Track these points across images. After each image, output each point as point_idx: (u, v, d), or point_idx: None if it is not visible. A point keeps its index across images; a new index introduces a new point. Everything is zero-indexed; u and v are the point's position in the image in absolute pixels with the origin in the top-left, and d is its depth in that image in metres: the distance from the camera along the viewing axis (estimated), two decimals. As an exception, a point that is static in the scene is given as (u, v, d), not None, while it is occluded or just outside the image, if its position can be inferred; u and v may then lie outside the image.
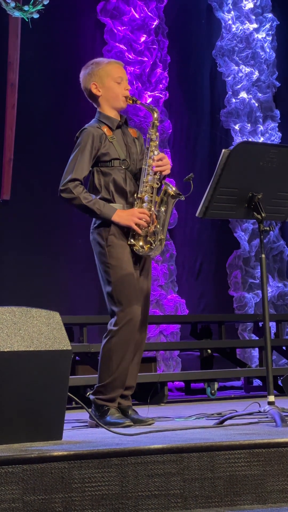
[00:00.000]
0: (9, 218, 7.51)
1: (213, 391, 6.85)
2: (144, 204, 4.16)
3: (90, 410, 3.95)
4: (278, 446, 3.06)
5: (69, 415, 4.55)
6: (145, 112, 8.27)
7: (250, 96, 9.36)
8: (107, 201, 4.16)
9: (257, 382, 7.92)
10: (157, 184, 4.19)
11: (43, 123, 7.85)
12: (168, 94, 8.75)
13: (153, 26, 8.71)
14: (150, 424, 4.08)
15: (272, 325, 8.08)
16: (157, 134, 4.25)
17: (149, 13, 8.69)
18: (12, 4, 6.88)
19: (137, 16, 8.61)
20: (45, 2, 6.94)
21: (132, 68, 8.49)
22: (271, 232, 9.08)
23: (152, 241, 4.16)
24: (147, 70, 8.63)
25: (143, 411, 4.49)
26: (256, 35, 9.49)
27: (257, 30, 9.51)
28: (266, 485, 3.02)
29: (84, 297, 7.87)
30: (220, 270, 9.10)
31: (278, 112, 9.51)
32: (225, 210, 4.06)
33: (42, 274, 7.64)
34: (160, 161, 4.19)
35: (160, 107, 8.61)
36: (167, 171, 4.22)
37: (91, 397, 4.14)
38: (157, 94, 8.64)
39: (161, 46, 8.77)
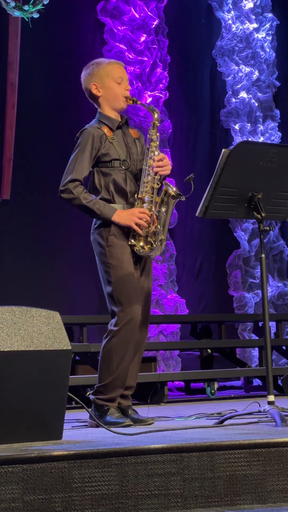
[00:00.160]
0: (9, 218, 7.51)
1: (213, 391, 6.85)
2: (144, 204, 4.17)
3: (90, 410, 3.95)
4: (278, 445, 3.07)
5: (69, 415, 4.55)
6: (145, 112, 8.27)
7: (250, 95, 9.36)
8: (107, 201, 4.16)
9: (257, 382, 7.92)
10: (158, 184, 4.19)
11: (43, 122, 7.85)
12: (168, 94, 8.75)
13: (153, 25, 8.71)
14: (150, 424, 4.08)
15: (272, 325, 8.08)
16: (158, 134, 4.25)
17: (149, 13, 8.69)
18: (12, 4, 6.88)
19: (137, 15, 8.61)
20: (45, 2, 6.94)
21: (132, 68, 8.49)
22: (271, 231, 9.11)
23: (152, 242, 4.16)
24: (147, 70, 8.63)
25: (143, 410, 4.49)
26: (256, 35, 9.49)
27: (257, 30, 9.51)
28: (266, 485, 3.02)
29: (84, 297, 7.87)
30: (220, 270, 9.10)
31: (278, 111, 9.52)
32: (225, 210, 4.06)
33: (42, 274, 7.64)
34: (160, 162, 4.19)
35: (160, 107, 8.61)
36: (167, 172, 4.22)
37: (91, 397, 4.15)
38: (157, 94, 8.65)
39: (161, 46, 8.77)
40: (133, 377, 4.22)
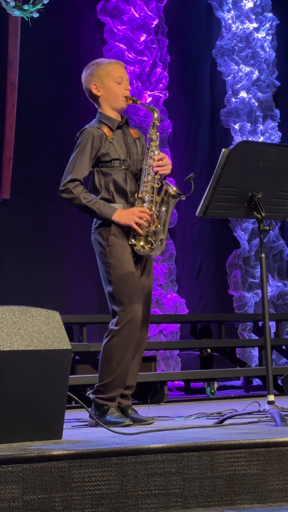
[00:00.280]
0: (9, 217, 7.51)
1: (212, 391, 6.85)
2: (145, 204, 4.17)
3: (90, 409, 3.96)
4: (278, 445, 3.07)
5: (69, 414, 4.55)
6: (145, 111, 8.27)
7: (250, 95, 9.36)
8: (107, 201, 4.16)
9: (256, 382, 7.92)
10: (158, 184, 4.20)
11: (43, 122, 7.85)
12: (168, 94, 8.75)
13: (153, 25, 8.71)
14: (150, 424, 4.08)
15: (272, 324, 8.08)
16: (158, 134, 4.25)
17: (149, 13, 8.69)
18: (12, 3, 6.88)
19: (137, 15, 8.61)
20: (45, 1, 6.94)
21: (132, 68, 8.49)
22: (271, 231, 9.11)
23: (153, 241, 4.16)
24: (147, 70, 8.63)
25: (143, 410, 4.49)
26: (256, 35, 9.49)
27: (257, 30, 9.51)
28: (266, 484, 3.02)
29: (84, 297, 7.87)
30: (220, 270, 9.10)
31: (278, 111, 9.51)
32: (225, 210, 4.06)
33: (42, 274, 7.64)
34: (160, 161, 4.19)
35: (160, 107, 8.61)
36: (168, 171, 4.22)
37: (91, 396, 4.15)
38: (157, 94, 8.64)
39: (161, 46, 8.77)
40: (133, 377, 4.22)
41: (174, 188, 4.17)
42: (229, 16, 9.35)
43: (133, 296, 4.11)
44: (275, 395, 4.00)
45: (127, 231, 4.15)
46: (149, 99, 8.52)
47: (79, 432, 3.88)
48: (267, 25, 9.56)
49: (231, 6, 9.37)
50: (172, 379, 7.54)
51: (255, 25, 9.50)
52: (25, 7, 6.93)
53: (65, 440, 3.41)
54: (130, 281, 4.12)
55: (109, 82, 4.27)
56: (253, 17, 9.50)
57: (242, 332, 8.94)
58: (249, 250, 9.16)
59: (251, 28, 9.46)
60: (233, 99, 9.29)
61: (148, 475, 2.90)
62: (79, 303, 7.88)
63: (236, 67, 9.31)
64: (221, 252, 9.12)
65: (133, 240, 4.15)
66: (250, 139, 9.13)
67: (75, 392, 4.29)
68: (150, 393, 6.07)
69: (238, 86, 9.31)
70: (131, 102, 4.28)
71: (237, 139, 9.14)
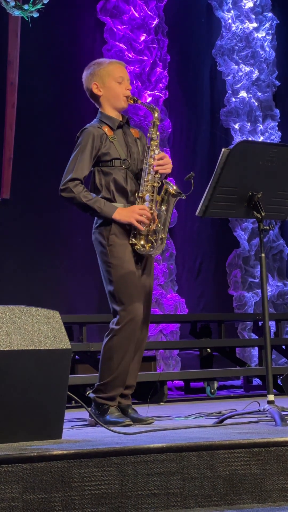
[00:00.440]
0: (9, 217, 7.51)
1: (212, 390, 6.85)
2: (145, 203, 4.17)
3: (89, 409, 3.96)
4: (278, 445, 3.07)
5: (69, 414, 4.55)
6: (145, 111, 8.27)
7: (250, 95, 9.36)
8: (108, 200, 4.16)
9: (256, 381, 7.92)
10: (158, 183, 4.20)
11: (43, 122, 7.85)
12: (168, 93, 8.75)
13: (153, 25, 8.71)
14: (149, 423, 4.08)
15: (272, 324, 8.08)
16: (158, 133, 4.25)
17: (149, 12, 8.69)
18: (12, 3, 6.88)
19: (137, 15, 8.61)
20: (45, 1, 6.94)
21: (132, 67, 8.49)
22: (271, 231, 9.12)
23: (153, 240, 4.17)
24: (147, 69, 8.63)
25: (142, 410, 4.49)
26: (256, 34, 9.49)
27: (257, 29, 9.51)
28: (266, 484, 3.02)
29: (83, 296, 7.87)
30: (219, 269, 9.10)
31: (278, 111, 9.51)
32: (225, 209, 4.06)
33: (42, 273, 7.64)
34: (161, 160, 4.19)
35: (160, 106, 8.60)
36: (168, 170, 4.22)
37: (91, 395, 4.15)
38: (157, 93, 8.65)
39: (161, 45, 8.77)
40: (133, 376, 4.22)
41: (174, 187, 4.17)
42: (229, 16, 9.35)
43: (134, 295, 4.12)
44: (275, 394, 4.00)
45: (128, 231, 4.15)
46: (149, 99, 8.52)
47: (79, 431, 3.88)
48: (267, 24, 9.56)
49: (231, 6, 9.37)
50: (172, 378, 7.54)
51: (255, 24, 9.50)
52: (25, 6, 6.93)
53: (65, 440, 3.41)
54: (131, 281, 4.12)
55: (110, 82, 4.27)
56: (253, 16, 9.50)
57: (242, 331, 8.94)
58: (249, 249, 9.16)
59: (251, 28, 9.46)
60: (233, 99, 9.29)
61: (148, 474, 2.90)
62: (79, 303, 7.88)
63: (236, 66, 9.31)
64: (221, 251, 9.12)
65: (133, 240, 4.15)
66: (250, 138, 9.13)
67: (75, 391, 4.29)
68: (150, 392, 6.07)
69: (238, 85, 9.31)
70: (132, 101, 4.29)
71: (237, 138, 9.14)
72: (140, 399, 6.12)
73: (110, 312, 4.19)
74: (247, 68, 9.37)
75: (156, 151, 4.21)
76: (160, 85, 8.70)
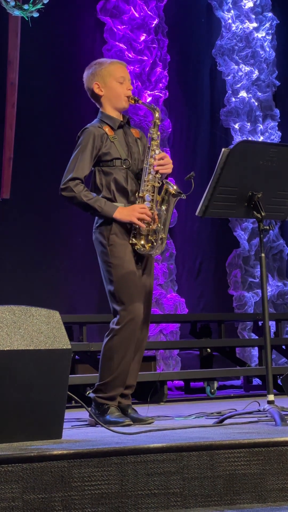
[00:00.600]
0: (9, 217, 7.51)
1: (212, 390, 6.85)
2: (145, 203, 4.17)
3: (89, 409, 3.96)
4: (278, 445, 3.07)
5: (69, 414, 4.55)
6: (145, 111, 8.27)
7: (250, 95, 9.36)
8: (109, 200, 4.17)
9: (256, 381, 7.92)
10: (158, 183, 4.20)
11: (43, 122, 7.85)
12: (168, 93, 8.75)
13: (153, 25, 8.71)
14: (149, 423, 4.08)
15: (272, 324, 8.08)
16: (159, 133, 4.26)
17: (149, 12, 8.69)
18: (12, 3, 6.88)
19: (137, 15, 8.61)
20: (45, 1, 6.93)
21: (132, 67, 8.49)
22: (271, 231, 9.11)
23: (153, 240, 4.17)
24: (147, 69, 8.63)
25: (142, 410, 4.49)
26: (256, 34, 9.49)
27: (257, 29, 9.51)
28: (266, 484, 3.02)
29: (84, 296, 7.87)
30: (219, 269, 9.09)
31: (278, 111, 9.51)
32: (225, 209, 4.06)
33: (42, 273, 7.64)
34: (161, 160, 4.20)
35: (160, 106, 8.60)
36: (169, 170, 4.22)
37: (92, 395, 4.15)
38: (157, 93, 8.65)
39: (161, 45, 8.77)
40: (134, 376, 4.22)
41: (175, 187, 4.17)
42: (229, 16, 9.35)
43: (134, 295, 4.12)
44: (275, 394, 4.00)
45: (128, 230, 4.16)
46: (149, 99, 8.52)
47: (79, 431, 3.88)
48: (267, 24, 9.56)
49: (231, 6, 9.37)
50: (172, 378, 7.54)
51: (255, 24, 9.50)
52: (25, 6, 6.93)
53: (65, 439, 3.41)
54: (131, 280, 4.12)
55: (111, 82, 4.27)
56: (253, 16, 9.50)
57: (242, 331, 8.94)
58: (249, 249, 9.16)
59: (251, 28, 9.46)
60: (233, 99, 9.29)
61: (148, 474, 2.90)
62: (79, 303, 7.87)
63: (236, 66, 9.31)
64: (221, 251, 9.11)
65: (133, 239, 4.16)
66: (250, 138, 9.12)
67: (75, 391, 4.29)
68: (150, 392, 6.07)
69: (238, 85, 9.31)
70: (133, 102, 4.29)
71: (237, 138, 9.14)
72: (140, 399, 6.12)
73: (110, 312, 4.20)
74: (247, 68, 9.37)
75: (157, 151, 4.21)
76: (160, 85, 8.70)
